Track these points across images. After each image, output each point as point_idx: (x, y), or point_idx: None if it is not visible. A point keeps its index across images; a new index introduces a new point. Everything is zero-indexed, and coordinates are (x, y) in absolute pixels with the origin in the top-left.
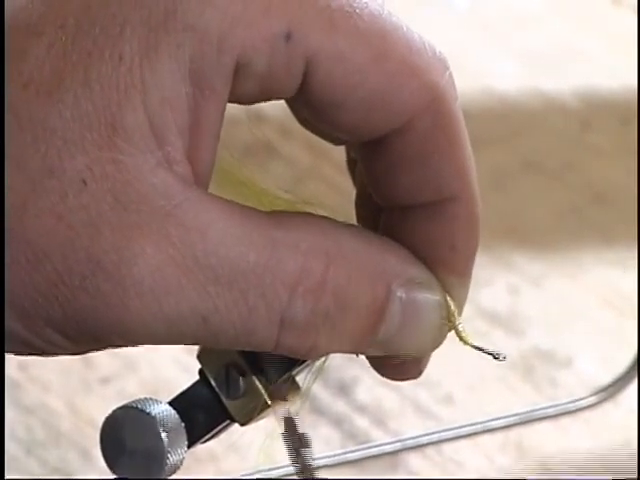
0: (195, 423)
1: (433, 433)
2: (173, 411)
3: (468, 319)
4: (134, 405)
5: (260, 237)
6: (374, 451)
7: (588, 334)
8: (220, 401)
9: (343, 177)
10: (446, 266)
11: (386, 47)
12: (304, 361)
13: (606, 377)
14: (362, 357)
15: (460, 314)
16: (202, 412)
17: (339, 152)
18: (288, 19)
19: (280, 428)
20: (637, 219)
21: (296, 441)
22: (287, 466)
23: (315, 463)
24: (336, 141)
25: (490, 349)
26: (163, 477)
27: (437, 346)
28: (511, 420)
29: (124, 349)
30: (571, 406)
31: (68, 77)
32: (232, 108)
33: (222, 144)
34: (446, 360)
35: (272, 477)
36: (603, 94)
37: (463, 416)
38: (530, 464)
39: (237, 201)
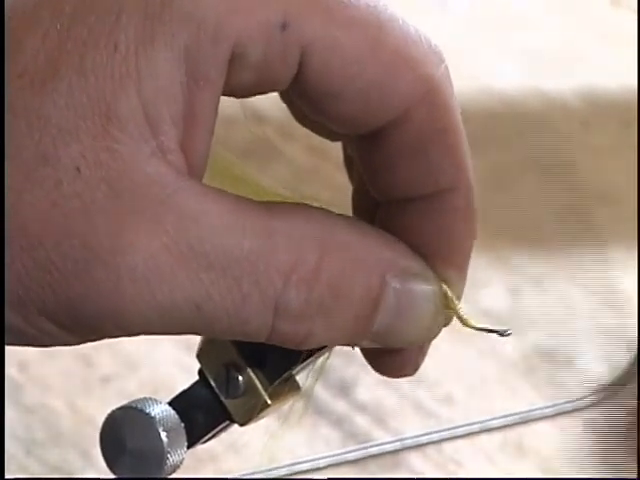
0: (195, 423)
1: (433, 432)
2: (173, 411)
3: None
4: (134, 405)
5: (254, 225)
6: (374, 451)
7: (588, 334)
8: (220, 401)
9: (343, 177)
10: (443, 258)
11: (382, 38)
12: (304, 360)
13: (606, 377)
14: (362, 357)
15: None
16: (202, 412)
17: (339, 152)
18: (284, 8)
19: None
20: (637, 219)
21: None
22: (287, 466)
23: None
24: (332, 136)
25: (494, 328)
26: (163, 477)
27: (432, 337)
28: (511, 420)
29: (124, 349)
30: (571, 406)
31: (63, 66)
32: (232, 109)
33: (221, 144)
34: (446, 360)
35: (272, 477)
36: (603, 94)
37: (463, 416)
38: (530, 464)
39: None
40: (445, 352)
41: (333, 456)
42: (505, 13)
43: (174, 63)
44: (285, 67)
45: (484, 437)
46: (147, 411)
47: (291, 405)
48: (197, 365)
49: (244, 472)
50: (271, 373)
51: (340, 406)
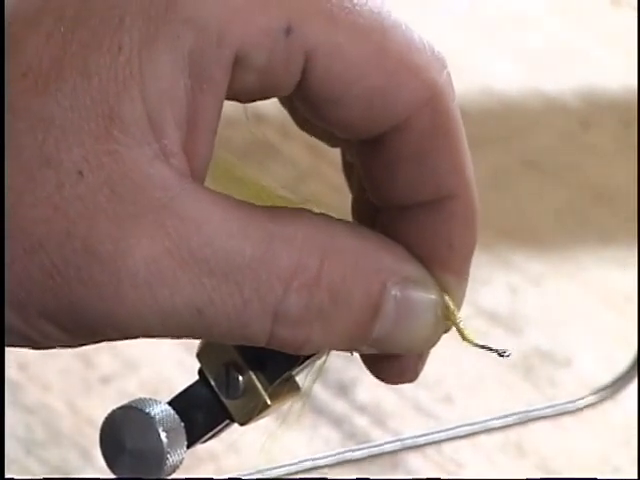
0: (195, 423)
1: (433, 433)
2: (172, 411)
3: (468, 319)
4: (134, 405)
5: (256, 231)
6: (374, 451)
7: (588, 334)
8: (220, 401)
9: (343, 177)
10: (444, 265)
11: (385, 44)
12: (304, 361)
13: (606, 377)
14: None
15: (458, 313)
16: (202, 412)
17: (339, 152)
18: (288, 13)
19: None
20: (637, 219)
21: None
22: (287, 466)
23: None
24: (333, 142)
25: (493, 347)
26: (162, 477)
27: (431, 346)
28: (511, 420)
29: (124, 349)
30: (571, 406)
31: (66, 68)
32: (232, 109)
33: (222, 145)
34: (446, 360)
35: (272, 477)
36: (603, 94)
37: (463, 416)
38: (530, 464)
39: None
40: (445, 352)
41: (333, 456)
42: (505, 13)
43: (178, 65)
44: (289, 72)
45: (484, 437)
46: (147, 411)
47: (290, 405)
48: (197, 365)
49: (244, 472)
50: (271, 373)
51: (340, 406)
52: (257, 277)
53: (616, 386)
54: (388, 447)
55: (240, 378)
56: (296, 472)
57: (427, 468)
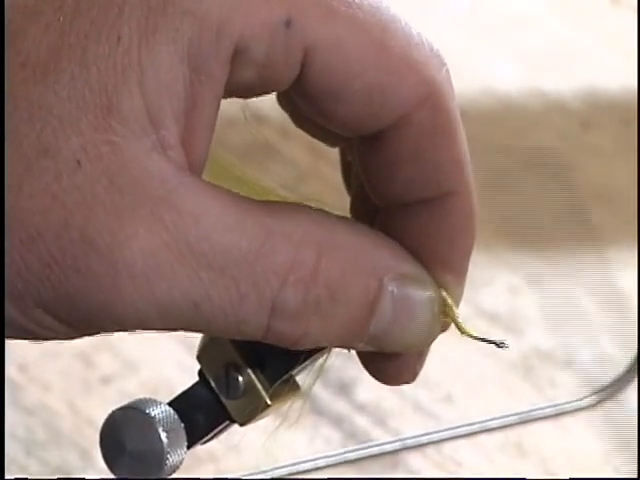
0: (195, 424)
1: (433, 433)
2: (173, 412)
3: (468, 319)
4: (134, 406)
5: (253, 225)
6: (374, 450)
7: (588, 334)
8: (220, 401)
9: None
10: (443, 263)
11: (385, 39)
12: (304, 361)
13: (606, 377)
14: None
15: (457, 309)
16: (202, 413)
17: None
18: (288, 7)
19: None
20: (637, 219)
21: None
22: (287, 466)
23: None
24: (331, 140)
25: (491, 338)
26: (162, 477)
27: (428, 343)
28: (511, 420)
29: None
30: (571, 406)
31: (65, 58)
32: (232, 109)
33: (221, 145)
34: (446, 360)
35: (272, 477)
36: (603, 94)
37: (463, 416)
38: (530, 464)
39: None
40: (445, 352)
41: (333, 456)
42: (505, 13)
43: (177, 56)
44: (288, 66)
45: (484, 437)
46: (147, 411)
47: (290, 405)
48: (197, 366)
49: (244, 472)
50: (271, 374)
51: (340, 406)
52: (253, 271)
53: (616, 386)
54: (388, 447)
55: (240, 379)
56: (296, 472)
57: (427, 468)
